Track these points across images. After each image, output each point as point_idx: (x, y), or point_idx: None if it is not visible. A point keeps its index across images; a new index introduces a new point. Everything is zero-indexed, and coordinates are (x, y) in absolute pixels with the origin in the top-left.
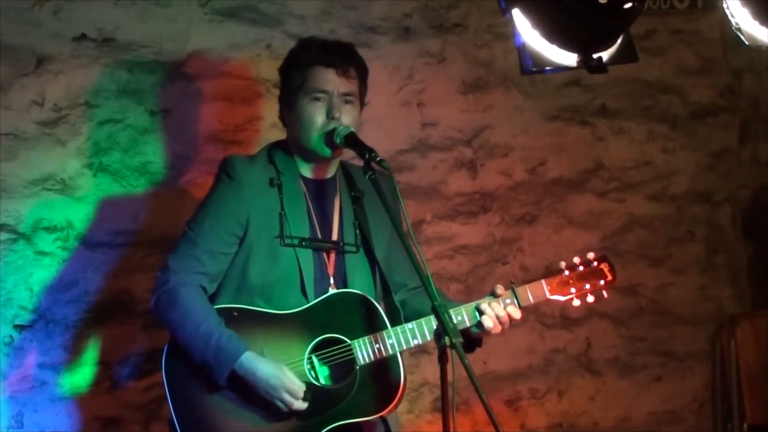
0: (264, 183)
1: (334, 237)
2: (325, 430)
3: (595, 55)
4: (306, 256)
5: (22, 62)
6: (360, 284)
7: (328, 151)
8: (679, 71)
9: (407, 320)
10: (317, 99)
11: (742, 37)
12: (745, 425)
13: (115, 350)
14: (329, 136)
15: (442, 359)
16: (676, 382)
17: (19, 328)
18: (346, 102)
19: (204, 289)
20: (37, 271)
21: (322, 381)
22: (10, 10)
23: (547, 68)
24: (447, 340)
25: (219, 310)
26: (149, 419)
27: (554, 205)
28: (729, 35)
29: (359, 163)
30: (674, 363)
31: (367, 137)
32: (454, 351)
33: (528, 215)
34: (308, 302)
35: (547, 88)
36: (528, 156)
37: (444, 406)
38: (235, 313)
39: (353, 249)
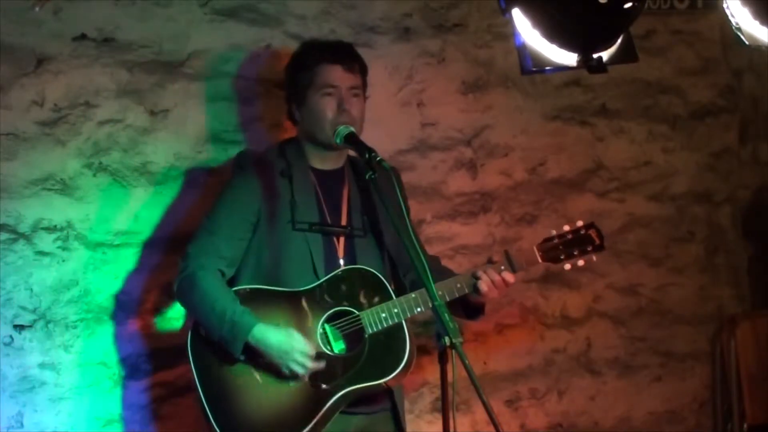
0: (275, 173)
1: (343, 222)
2: (339, 395)
3: (595, 55)
4: (316, 240)
5: (22, 62)
6: (369, 265)
7: (340, 140)
8: (679, 71)
9: None
10: (328, 94)
11: (742, 37)
12: (745, 425)
13: (115, 350)
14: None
15: (442, 359)
16: (676, 382)
17: (19, 328)
18: (354, 95)
19: (222, 272)
20: (37, 271)
21: (334, 350)
22: (10, 10)
23: (547, 68)
24: (447, 340)
25: (236, 292)
26: (149, 419)
27: (554, 205)
28: (729, 35)
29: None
30: (674, 363)
31: (367, 137)
32: (454, 351)
33: (528, 215)
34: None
35: (547, 88)
36: (528, 156)
37: (444, 406)
38: (251, 292)
39: (361, 233)
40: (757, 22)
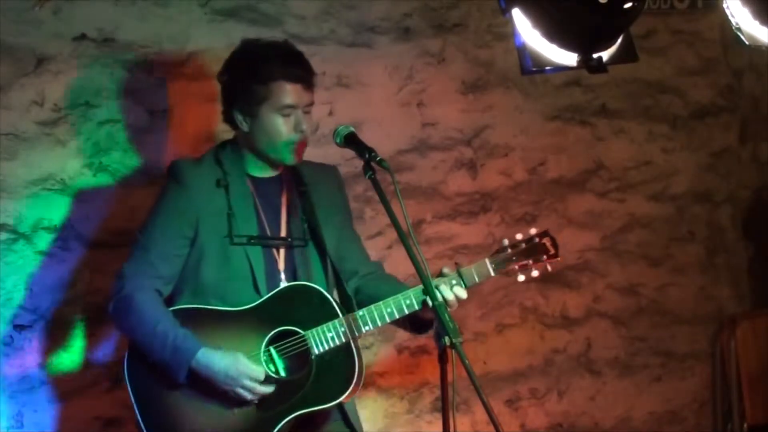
0: (211, 184)
1: (283, 232)
2: (286, 419)
3: (595, 55)
4: (256, 253)
5: (22, 62)
6: (311, 276)
7: (292, 159)
8: (679, 71)
9: (361, 306)
10: (286, 115)
11: (742, 37)
12: (745, 425)
13: (115, 350)
14: (300, 146)
15: (442, 359)
16: (676, 382)
17: (19, 328)
18: (306, 112)
19: (159, 292)
20: (37, 271)
21: (281, 373)
22: (10, 10)
23: (547, 68)
24: (447, 340)
25: (175, 312)
26: None
27: (554, 205)
28: (729, 35)
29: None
30: (674, 363)
31: (367, 137)
32: (454, 351)
33: (528, 215)
34: (261, 298)
35: (547, 88)
36: (528, 156)
37: (444, 406)
38: (190, 312)
39: (302, 243)
40: (757, 22)
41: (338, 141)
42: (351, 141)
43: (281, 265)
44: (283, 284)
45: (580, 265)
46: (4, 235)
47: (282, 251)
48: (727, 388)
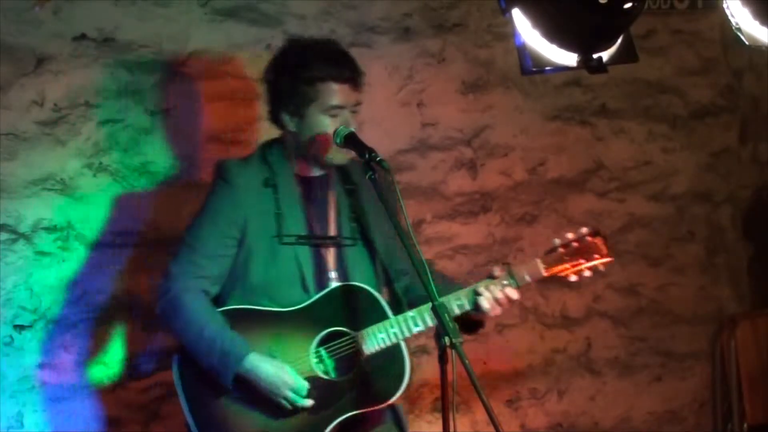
0: (259, 184)
1: (332, 232)
2: (335, 422)
3: (595, 55)
4: (305, 252)
5: (22, 62)
6: (361, 276)
7: (343, 158)
8: (679, 71)
9: (411, 305)
10: (334, 115)
11: (742, 37)
12: (745, 425)
13: (115, 350)
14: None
15: (442, 359)
16: (676, 382)
17: (19, 328)
18: (354, 111)
19: (207, 292)
20: (37, 271)
21: (330, 374)
22: (10, 10)
23: (547, 68)
24: (447, 340)
25: (224, 312)
26: (149, 419)
27: (554, 205)
28: (729, 35)
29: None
30: (674, 363)
31: (367, 137)
32: (454, 351)
33: (528, 215)
34: (310, 297)
35: (547, 88)
36: (528, 156)
37: (444, 406)
38: (239, 313)
39: (351, 242)
40: (757, 22)
41: (338, 141)
42: (351, 141)
43: (331, 265)
44: (333, 284)
45: None
46: (4, 235)
47: (331, 250)
48: (727, 388)
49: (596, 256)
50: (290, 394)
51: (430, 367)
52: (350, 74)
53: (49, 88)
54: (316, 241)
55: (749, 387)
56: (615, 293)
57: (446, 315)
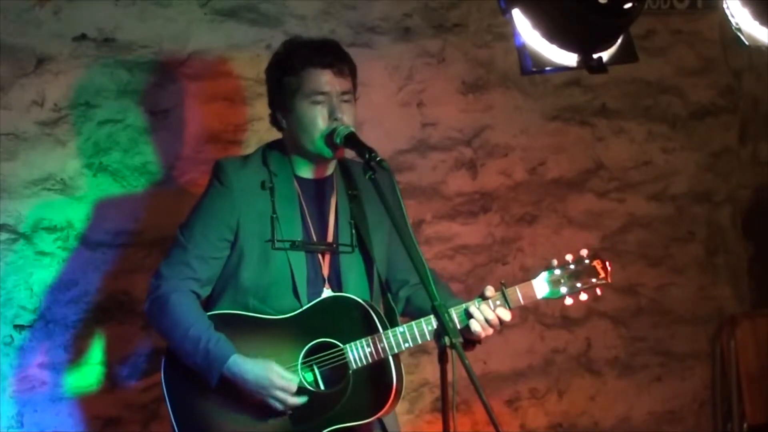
0: (255, 186)
1: (330, 237)
2: None
3: (595, 55)
4: (298, 258)
5: (22, 62)
6: (355, 285)
7: (330, 152)
8: (679, 71)
9: (411, 317)
10: (317, 102)
11: (742, 37)
12: (745, 425)
13: (115, 350)
14: (330, 137)
15: (442, 359)
16: (676, 382)
17: (19, 328)
18: (345, 101)
19: (196, 294)
20: (37, 271)
21: (318, 385)
22: (10, 10)
23: (547, 68)
24: (447, 340)
25: (213, 316)
26: (149, 419)
27: (554, 205)
28: (729, 35)
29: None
30: (674, 363)
31: (367, 137)
32: (454, 351)
33: (528, 215)
34: (301, 305)
35: (547, 88)
36: (528, 156)
37: (444, 406)
38: (227, 317)
39: (348, 249)
40: (757, 22)
41: (338, 141)
42: (351, 141)
43: (326, 272)
44: (326, 292)
45: None
46: (4, 235)
47: (327, 257)
48: (726, 388)
49: (593, 280)
50: (279, 392)
51: (430, 367)
52: (332, 59)
53: (49, 88)
54: (310, 248)
55: (749, 387)
56: (615, 293)
57: (446, 315)
